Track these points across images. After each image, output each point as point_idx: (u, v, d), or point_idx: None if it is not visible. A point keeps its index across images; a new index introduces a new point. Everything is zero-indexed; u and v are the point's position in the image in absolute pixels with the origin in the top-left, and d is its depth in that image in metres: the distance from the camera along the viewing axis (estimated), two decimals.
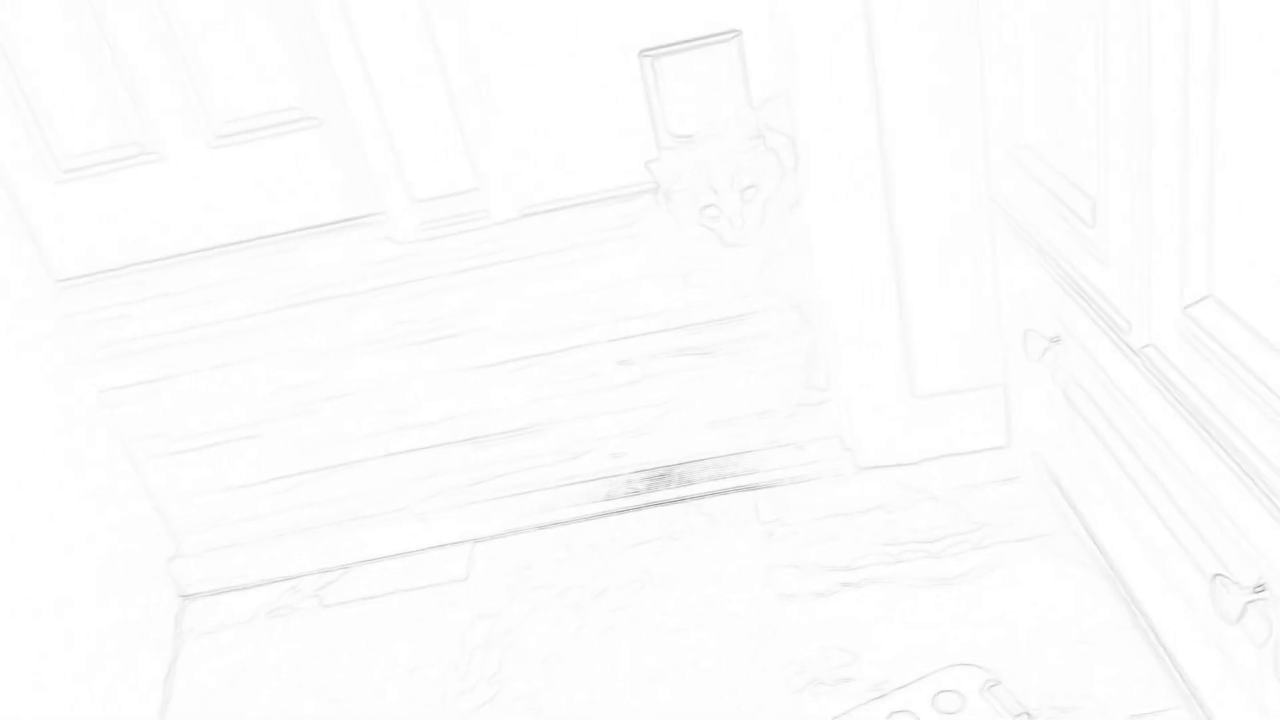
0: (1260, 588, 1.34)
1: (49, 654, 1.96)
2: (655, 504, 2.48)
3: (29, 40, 2.17)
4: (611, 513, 2.49)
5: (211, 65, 2.21)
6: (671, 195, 2.26)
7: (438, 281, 2.40)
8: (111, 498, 2.33)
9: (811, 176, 2.14)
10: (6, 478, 1.99)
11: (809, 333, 2.39)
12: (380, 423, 2.48)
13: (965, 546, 2.13)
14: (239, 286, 2.38)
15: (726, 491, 2.46)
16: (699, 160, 2.22)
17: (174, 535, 2.53)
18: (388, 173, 2.32)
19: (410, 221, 2.36)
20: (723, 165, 2.21)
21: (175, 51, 2.19)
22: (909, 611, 2.00)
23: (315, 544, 2.54)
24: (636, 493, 2.52)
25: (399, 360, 2.43)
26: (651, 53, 2.25)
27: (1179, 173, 1.34)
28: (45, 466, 2.12)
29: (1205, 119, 1.26)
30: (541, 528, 2.51)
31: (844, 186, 2.13)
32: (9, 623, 1.88)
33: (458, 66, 2.20)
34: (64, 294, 2.37)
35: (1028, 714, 1.73)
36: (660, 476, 2.51)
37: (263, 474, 2.51)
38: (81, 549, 2.16)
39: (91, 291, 2.38)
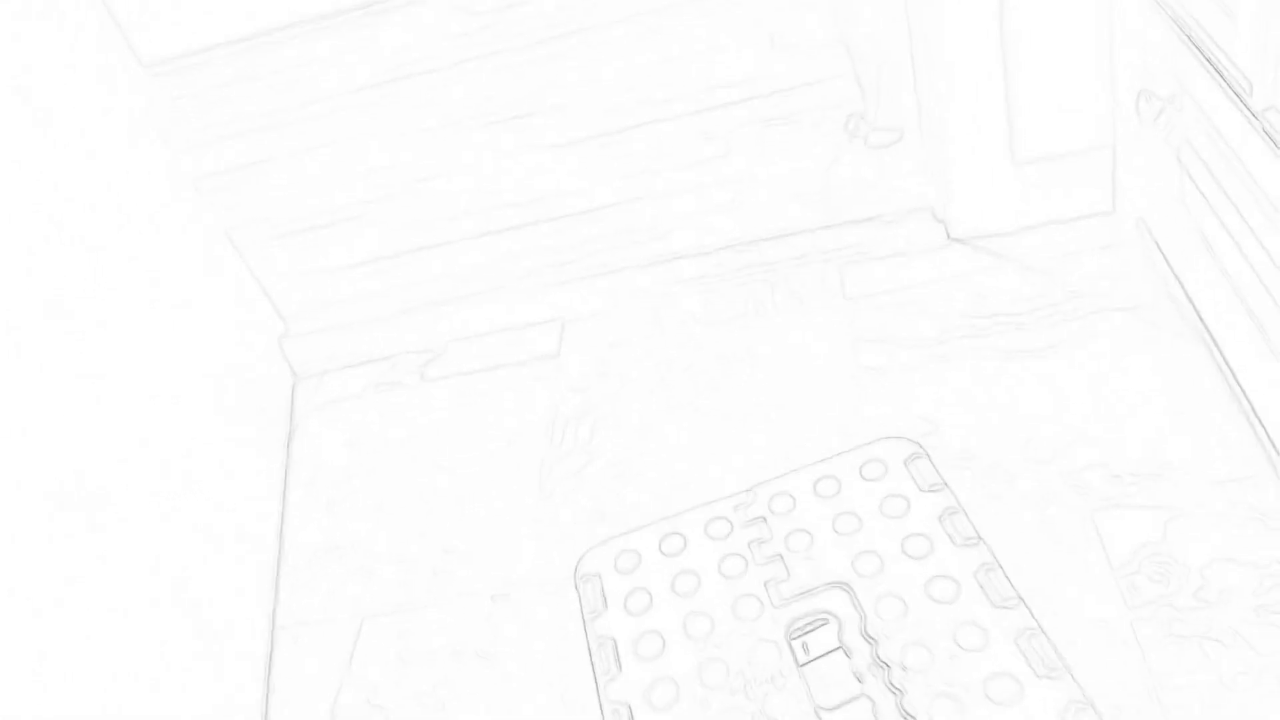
0: None
1: (176, 426, 2.12)
2: (742, 280, 2.48)
3: None
4: (698, 290, 2.51)
5: None
6: None
7: (518, 55, 2.34)
8: (218, 280, 2.43)
9: None
10: (115, 265, 2.08)
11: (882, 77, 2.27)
12: (472, 201, 2.49)
13: (1057, 317, 2.09)
14: (327, 65, 2.36)
15: (812, 265, 2.44)
16: None
17: (282, 316, 2.65)
18: None
19: None
20: None
21: None
22: (993, 383, 2.00)
23: (415, 321, 2.63)
24: (723, 269, 2.52)
25: (486, 140, 2.41)
26: None
27: None
28: (150, 251, 2.20)
29: None
30: (630, 305, 2.55)
31: None
32: (135, 402, 2.02)
33: None
34: (156, 80, 2.37)
35: (945, 484, 1.78)
36: (746, 252, 2.49)
37: (361, 254, 2.57)
38: (195, 328, 2.28)
39: (181, 76, 2.38)
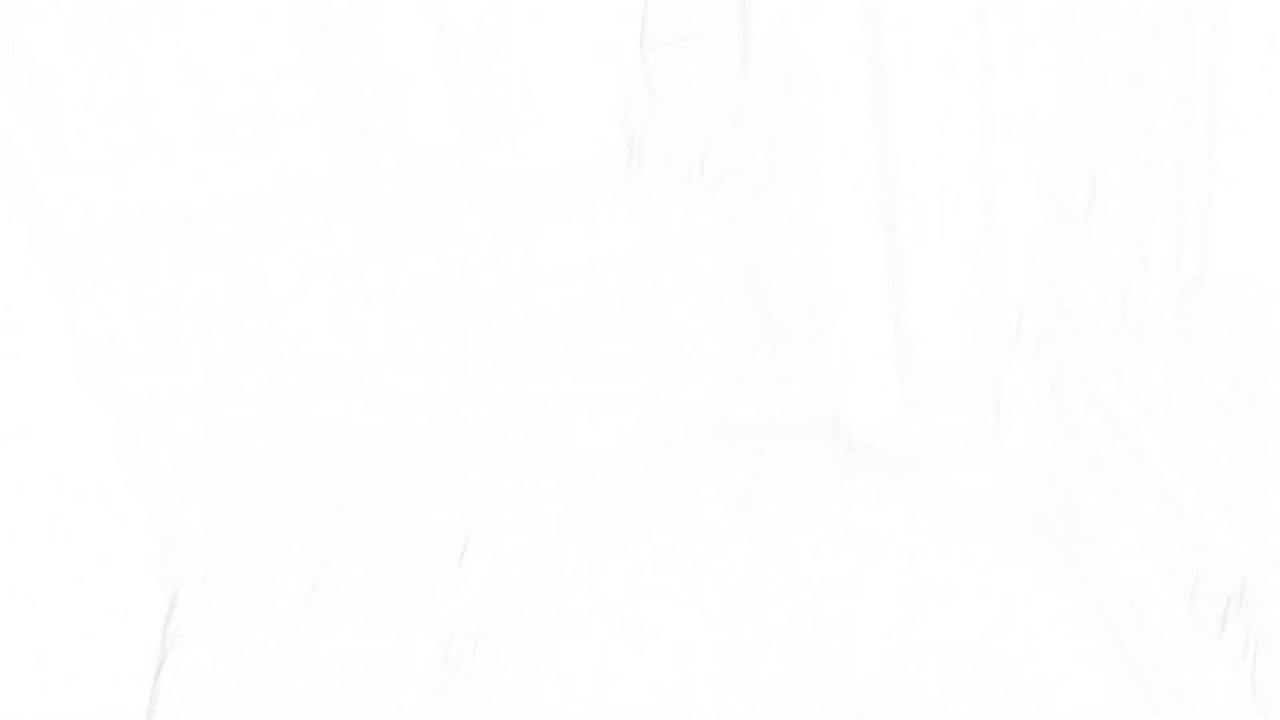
0: (1242, 590, 1.36)
1: (45, 641, 1.93)
2: (640, 485, 2.47)
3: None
4: (599, 493, 2.47)
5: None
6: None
7: (428, 255, 2.37)
8: (110, 497, 2.29)
9: (816, 140, 2.14)
10: (12, 474, 1.95)
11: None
12: (378, 408, 2.43)
13: (944, 534, 2.15)
14: (241, 269, 2.34)
15: (715, 468, 2.43)
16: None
17: (169, 529, 2.46)
18: (381, 136, 2.30)
19: (395, 182, 2.34)
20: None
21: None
22: (887, 596, 2.03)
23: (308, 536, 2.48)
24: (623, 472, 2.47)
25: (395, 331, 2.39)
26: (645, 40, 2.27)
27: (1175, 160, 1.38)
28: (51, 462, 2.08)
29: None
30: (533, 509, 2.47)
31: (848, 159, 2.11)
32: (8, 613, 1.84)
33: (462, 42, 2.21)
34: (66, 275, 2.30)
35: None
36: (650, 457, 2.47)
37: (259, 465, 2.45)
38: (77, 545, 2.12)
39: (93, 274, 2.31)
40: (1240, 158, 1.28)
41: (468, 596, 2.30)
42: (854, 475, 2.39)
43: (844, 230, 2.21)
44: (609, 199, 2.34)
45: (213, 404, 2.42)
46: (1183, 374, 1.49)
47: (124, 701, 2.13)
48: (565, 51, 2.25)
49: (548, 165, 2.36)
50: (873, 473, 2.40)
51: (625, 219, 2.36)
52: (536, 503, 2.51)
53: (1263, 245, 1.28)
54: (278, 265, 2.34)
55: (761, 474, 2.47)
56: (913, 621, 2.00)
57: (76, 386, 2.30)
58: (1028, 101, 1.85)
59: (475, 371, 2.45)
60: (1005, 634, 1.93)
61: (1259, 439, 1.34)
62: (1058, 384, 1.95)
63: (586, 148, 2.35)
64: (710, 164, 2.19)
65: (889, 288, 2.27)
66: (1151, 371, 1.59)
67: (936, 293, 2.28)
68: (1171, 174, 1.41)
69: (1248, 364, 1.34)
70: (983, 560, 2.09)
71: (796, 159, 2.23)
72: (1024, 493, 2.25)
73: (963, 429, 2.41)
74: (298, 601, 2.40)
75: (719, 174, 2.17)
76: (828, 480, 2.40)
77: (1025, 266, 2.00)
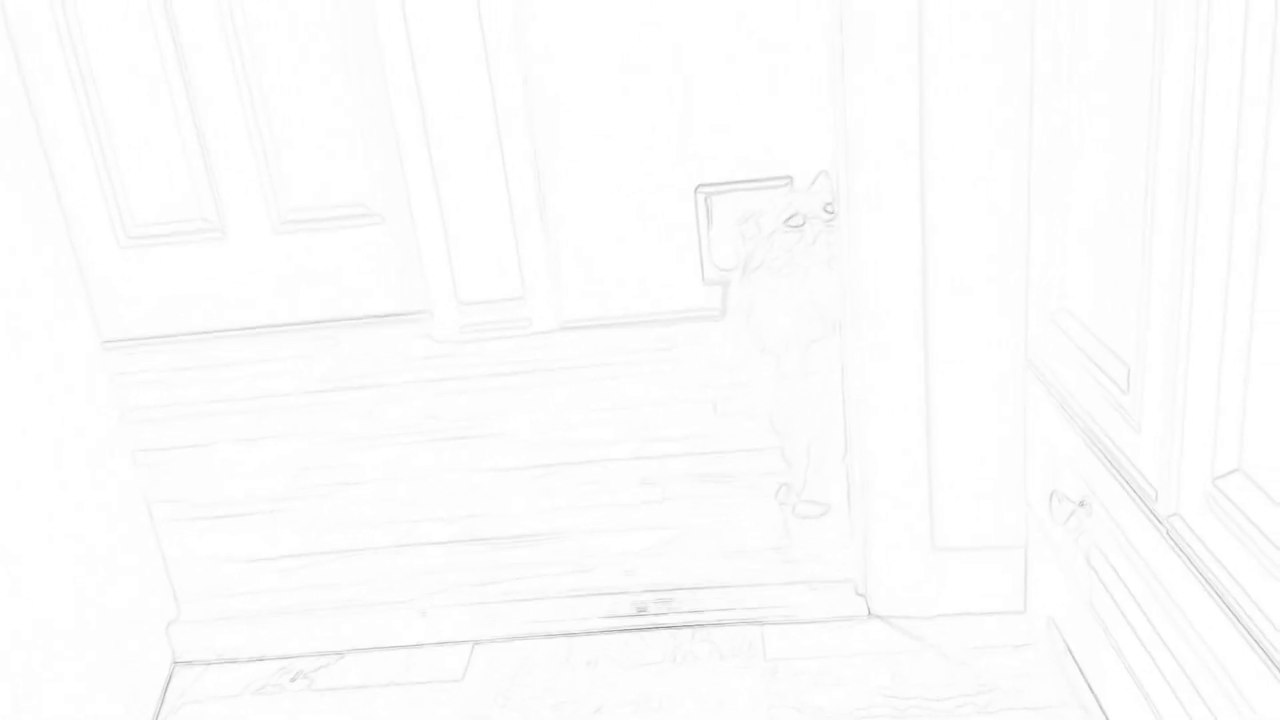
0: None
1: (42, 699, 1.94)
2: (660, 627, 2.45)
3: (116, 102, 2.29)
4: (616, 630, 2.46)
5: (288, 151, 2.32)
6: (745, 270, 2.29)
7: (471, 383, 2.44)
8: (128, 556, 2.33)
9: (853, 320, 2.19)
10: (35, 525, 2.01)
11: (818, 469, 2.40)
12: (396, 513, 2.49)
13: (971, 709, 2.08)
14: (279, 366, 2.43)
15: (734, 623, 2.43)
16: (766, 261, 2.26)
17: (177, 600, 2.52)
18: (439, 272, 2.39)
19: (453, 322, 2.42)
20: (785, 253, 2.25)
21: (256, 134, 2.30)
22: None
23: (315, 626, 2.51)
24: (643, 613, 2.49)
25: (423, 454, 2.46)
26: (706, 189, 2.35)
27: (1217, 349, 1.38)
28: (74, 514, 2.13)
29: (1246, 301, 1.31)
30: (544, 637, 2.48)
31: (885, 332, 2.18)
32: (9, 652, 1.87)
33: (522, 183, 2.30)
34: (111, 354, 2.42)
35: None
36: (668, 600, 2.48)
37: (273, 551, 2.50)
38: (91, 602, 2.15)
39: (138, 355, 2.44)
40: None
41: (471, 702, 2.27)
42: (875, 637, 2.33)
43: (882, 391, 2.21)
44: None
45: (239, 488, 2.48)
46: (1205, 566, 1.43)
47: None
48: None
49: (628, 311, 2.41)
50: (894, 635, 2.33)
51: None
52: (550, 617, 2.49)
53: None
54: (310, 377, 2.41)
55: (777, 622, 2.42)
56: None
57: (113, 452, 2.37)
58: (1065, 283, 1.86)
59: (495, 493, 2.47)
60: None
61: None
62: (1089, 559, 1.90)
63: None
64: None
65: (923, 449, 2.26)
66: (1173, 564, 1.53)
67: (969, 458, 2.27)
68: (1211, 360, 1.39)
69: (1267, 564, 1.28)
70: None
71: (842, 316, 2.25)
72: (1054, 662, 2.16)
73: (990, 598, 2.35)
74: (300, 684, 2.39)
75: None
76: (847, 638, 2.33)
77: (1061, 437, 1.97)
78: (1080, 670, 2.04)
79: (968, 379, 2.19)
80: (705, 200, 2.34)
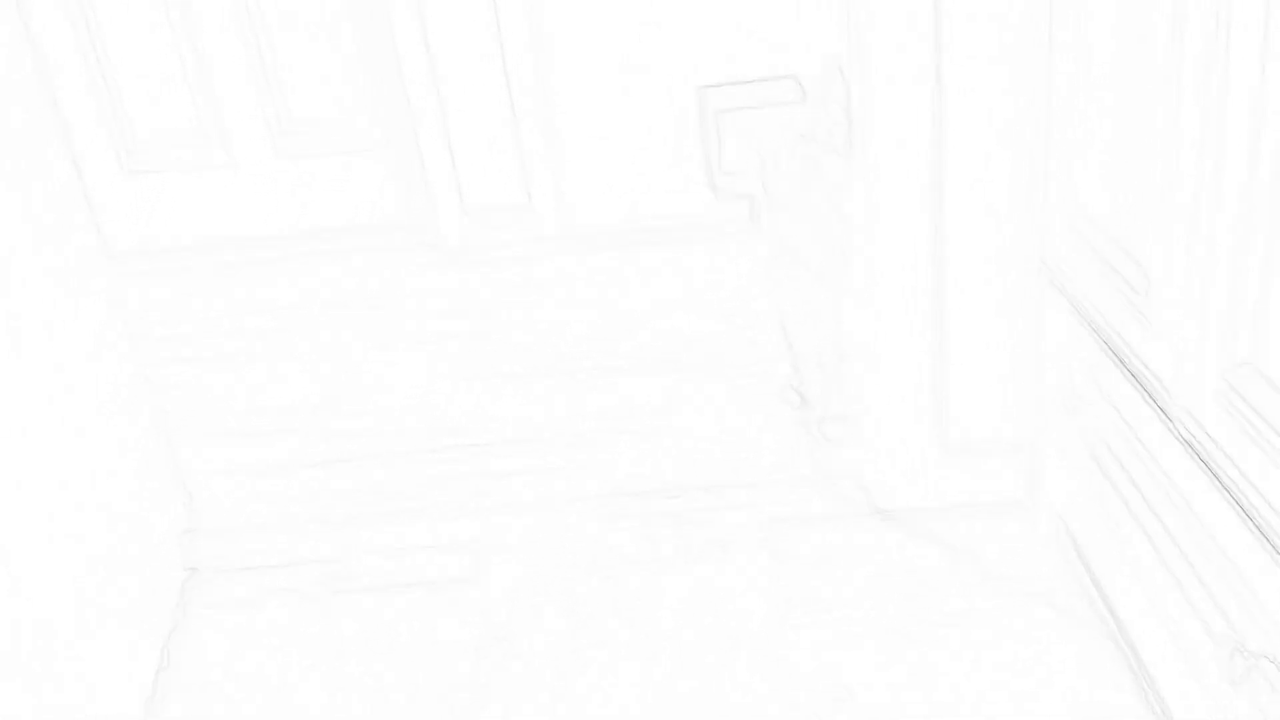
0: (1273, 658, 1.35)
1: (55, 604, 1.99)
2: (673, 526, 2.50)
3: (115, 28, 2.24)
4: (626, 530, 2.51)
5: (288, 69, 2.27)
6: (758, 209, 2.27)
7: (480, 293, 2.44)
8: (141, 467, 2.36)
9: (866, 216, 2.18)
10: (42, 433, 2.03)
11: (837, 366, 2.42)
12: (407, 423, 2.51)
13: (975, 598, 2.14)
14: (289, 281, 2.43)
15: (741, 520, 2.48)
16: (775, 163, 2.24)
17: (193, 510, 2.56)
18: (443, 182, 2.37)
19: (458, 230, 2.41)
20: (798, 156, 2.22)
21: (256, 54, 2.26)
22: (910, 656, 2.00)
23: (330, 532, 2.56)
24: (654, 514, 2.53)
25: (432, 365, 2.47)
26: (711, 89, 2.31)
27: (1236, 246, 1.37)
28: (82, 429, 2.15)
29: (1271, 197, 1.30)
30: (558, 538, 2.53)
31: (896, 236, 2.17)
32: (19, 560, 1.91)
33: (526, 90, 2.26)
34: (120, 272, 2.42)
35: None
36: (675, 498, 2.52)
37: (289, 461, 2.54)
38: (102, 510, 2.19)
39: (147, 274, 2.43)
40: None
41: (486, 603, 2.32)
42: (881, 530, 2.37)
43: (889, 285, 2.21)
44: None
45: (249, 398, 2.49)
46: (1214, 462, 1.45)
47: (131, 667, 2.19)
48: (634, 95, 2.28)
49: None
50: (900, 527, 2.37)
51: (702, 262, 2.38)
52: (563, 519, 2.54)
53: None
54: (326, 288, 2.40)
55: (787, 517, 2.46)
56: (935, 684, 1.97)
57: (121, 365, 2.38)
58: (1080, 182, 1.84)
59: (509, 391, 2.49)
60: (1039, 697, 1.89)
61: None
62: (1097, 456, 1.92)
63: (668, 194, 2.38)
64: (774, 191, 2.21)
65: (930, 345, 2.27)
66: (1184, 461, 1.55)
67: (978, 350, 2.27)
68: (1228, 256, 1.39)
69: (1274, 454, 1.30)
70: (1015, 623, 2.06)
71: (848, 202, 2.23)
72: (1059, 554, 2.21)
73: (998, 493, 2.39)
74: (318, 589, 2.45)
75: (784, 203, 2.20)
76: (852, 532, 2.38)
77: (1075, 336, 1.98)
78: (1085, 563, 2.09)
79: (982, 281, 2.18)
80: (710, 104, 2.30)
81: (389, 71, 2.27)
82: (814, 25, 2.19)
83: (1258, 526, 1.37)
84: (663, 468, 2.51)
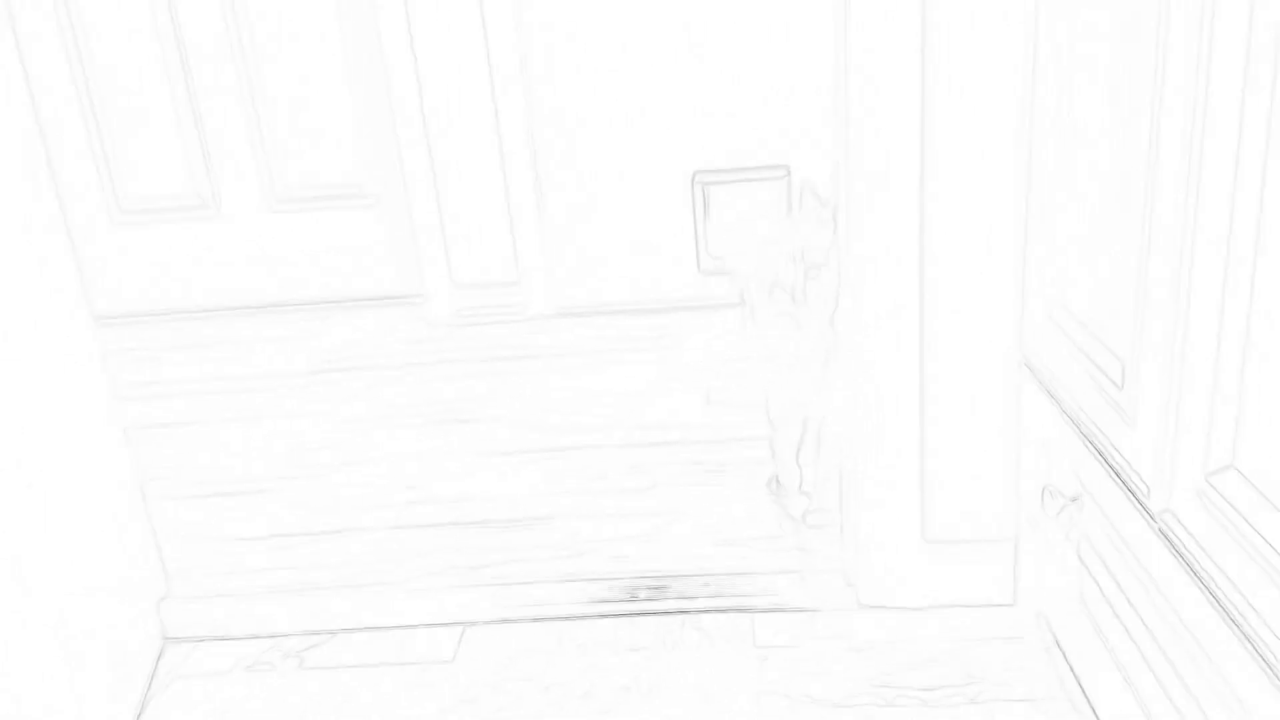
0: None
1: (31, 670, 1.94)
2: (651, 613, 2.46)
3: (110, 75, 2.26)
4: (606, 615, 2.47)
5: (284, 131, 2.30)
6: (746, 296, 2.30)
7: (465, 367, 2.44)
8: (120, 532, 2.33)
9: (851, 308, 2.19)
10: (24, 498, 2.00)
11: (818, 461, 2.41)
12: (387, 496, 2.49)
13: (959, 700, 2.10)
14: (272, 346, 2.42)
15: (724, 610, 2.44)
16: (762, 251, 2.27)
17: (168, 577, 2.52)
18: (434, 255, 2.38)
19: (447, 305, 2.41)
20: (786, 248, 2.25)
21: (252, 112, 2.29)
22: None
23: (305, 605, 2.51)
24: (634, 599, 2.50)
25: (415, 438, 2.45)
26: (703, 178, 2.34)
27: (1213, 345, 1.38)
28: (64, 491, 2.12)
29: (1244, 301, 1.31)
30: (535, 620, 2.49)
31: (879, 329, 2.18)
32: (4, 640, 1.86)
33: (519, 167, 2.29)
34: (104, 331, 2.41)
35: None
36: (659, 586, 2.49)
37: (265, 530, 2.50)
38: (82, 576, 2.14)
39: (130, 332, 2.42)
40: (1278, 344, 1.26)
41: (461, 684, 2.27)
42: (864, 627, 2.34)
43: (875, 384, 2.22)
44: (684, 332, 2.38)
45: (228, 463, 2.47)
46: (1196, 562, 1.44)
47: None
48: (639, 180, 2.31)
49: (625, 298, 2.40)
50: (883, 625, 2.34)
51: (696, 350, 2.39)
52: (541, 601, 2.50)
53: None
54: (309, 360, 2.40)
55: (772, 607, 2.43)
56: None
57: (105, 430, 2.36)
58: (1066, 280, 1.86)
59: (492, 467, 2.47)
60: None
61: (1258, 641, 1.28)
62: (1080, 553, 1.91)
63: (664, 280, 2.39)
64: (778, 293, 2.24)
65: (916, 442, 2.27)
66: (1165, 559, 1.54)
67: (958, 446, 2.27)
68: (1207, 357, 1.40)
69: (1260, 564, 1.29)
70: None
71: (844, 298, 2.25)
72: (1042, 653, 2.18)
73: (980, 591, 2.37)
74: (291, 662, 2.39)
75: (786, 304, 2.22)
76: (837, 627, 2.34)
77: (1055, 432, 1.98)
78: (1069, 663, 2.05)
79: (962, 374, 2.19)
80: (702, 190, 2.34)
81: (386, 145, 2.30)
82: (804, 118, 2.24)
83: (1242, 631, 1.35)
84: (646, 552, 2.48)
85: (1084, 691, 1.98)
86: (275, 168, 2.32)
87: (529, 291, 2.39)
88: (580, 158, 2.29)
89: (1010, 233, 2.08)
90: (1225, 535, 1.38)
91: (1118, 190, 1.65)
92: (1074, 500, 1.90)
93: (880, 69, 2.02)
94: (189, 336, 2.42)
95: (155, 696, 2.32)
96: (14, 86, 2.20)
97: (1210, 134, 1.34)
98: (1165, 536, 1.54)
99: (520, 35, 2.19)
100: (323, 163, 2.32)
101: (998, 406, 2.22)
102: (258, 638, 2.50)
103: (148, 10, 2.21)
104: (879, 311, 2.17)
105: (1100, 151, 1.72)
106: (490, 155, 2.28)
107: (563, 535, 2.50)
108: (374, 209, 2.35)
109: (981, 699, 2.09)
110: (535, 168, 2.29)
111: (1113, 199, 1.67)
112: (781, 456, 2.43)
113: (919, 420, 2.24)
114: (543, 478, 2.47)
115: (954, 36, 1.97)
